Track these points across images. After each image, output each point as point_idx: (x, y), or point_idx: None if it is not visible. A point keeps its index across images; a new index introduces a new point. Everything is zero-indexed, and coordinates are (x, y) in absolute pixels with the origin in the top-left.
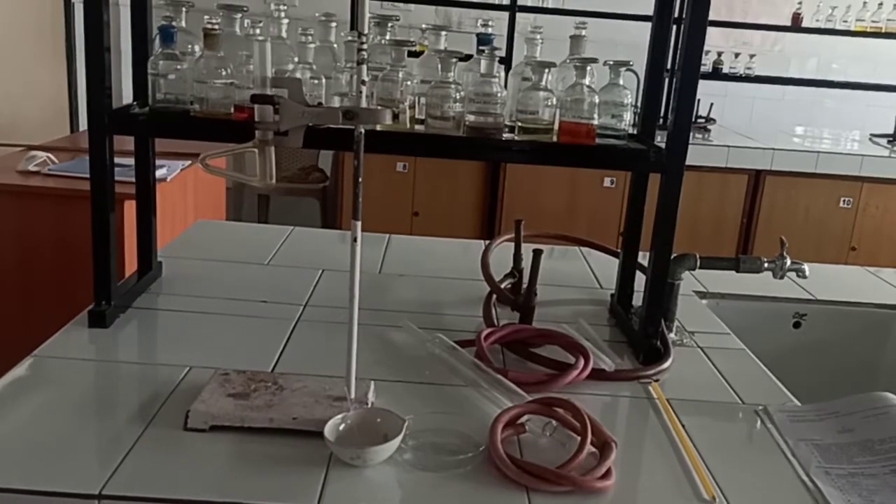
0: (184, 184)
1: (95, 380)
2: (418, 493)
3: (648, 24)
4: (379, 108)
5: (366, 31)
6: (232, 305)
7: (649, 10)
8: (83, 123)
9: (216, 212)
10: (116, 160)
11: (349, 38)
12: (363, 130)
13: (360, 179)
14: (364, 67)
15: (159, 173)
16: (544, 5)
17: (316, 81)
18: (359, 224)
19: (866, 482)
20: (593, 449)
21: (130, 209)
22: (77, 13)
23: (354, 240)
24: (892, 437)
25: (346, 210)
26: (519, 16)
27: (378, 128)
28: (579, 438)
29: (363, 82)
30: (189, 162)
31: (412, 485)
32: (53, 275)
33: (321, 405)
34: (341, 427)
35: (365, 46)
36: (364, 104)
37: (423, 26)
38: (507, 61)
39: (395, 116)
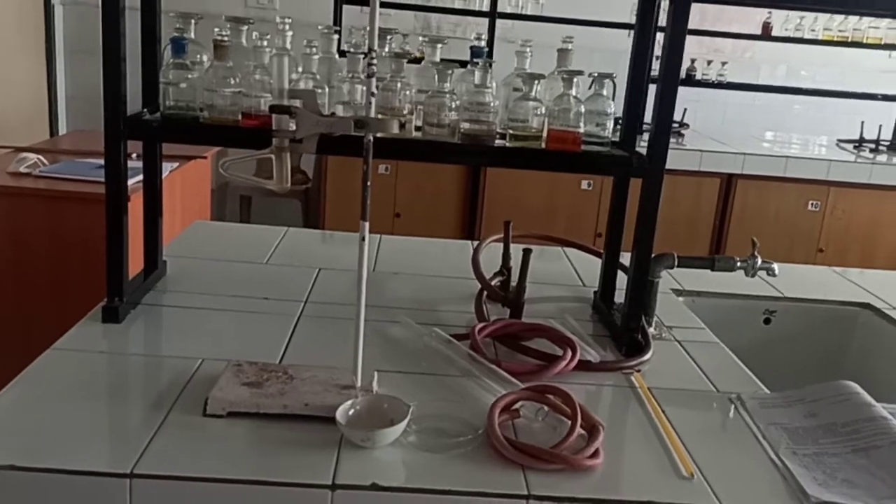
0: (172, 186)
1: (115, 371)
2: (424, 472)
3: (624, 32)
4: (387, 117)
5: (375, 48)
6: (236, 302)
7: (625, 17)
8: (63, 125)
9: (202, 212)
10: (100, 162)
11: (348, 48)
12: (372, 138)
13: (369, 183)
14: (374, 80)
15: None
16: (523, 12)
17: (320, 90)
18: (366, 224)
19: (830, 460)
20: (582, 431)
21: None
22: (56, 14)
23: (363, 239)
24: (853, 421)
25: (329, 210)
26: (498, 21)
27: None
28: (569, 422)
29: (373, 94)
30: (177, 164)
31: (417, 464)
32: (46, 274)
33: (330, 393)
34: (351, 412)
35: (375, 61)
36: (373, 114)
37: (420, 39)
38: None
39: (402, 125)
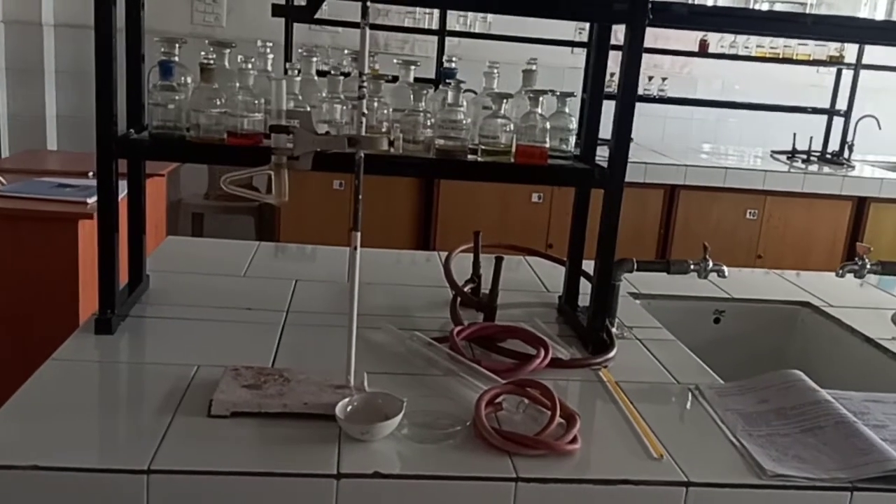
0: None
1: (116, 379)
2: (420, 461)
3: (566, 49)
4: (377, 135)
5: (366, 72)
6: (221, 313)
7: (569, 35)
8: (5, 146)
9: (158, 228)
10: (67, 181)
11: (323, 65)
12: (363, 154)
13: (360, 196)
14: (364, 102)
15: None
16: (471, 30)
17: (301, 110)
18: (358, 234)
19: (781, 440)
20: (561, 420)
21: (84, 228)
22: None
23: (354, 248)
24: (800, 405)
25: (283, 225)
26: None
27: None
28: (549, 413)
29: (363, 114)
30: None
31: (413, 454)
32: (10, 292)
33: (326, 392)
34: (349, 409)
35: (366, 84)
36: (364, 132)
37: (395, 61)
38: (436, 84)
39: (391, 143)
